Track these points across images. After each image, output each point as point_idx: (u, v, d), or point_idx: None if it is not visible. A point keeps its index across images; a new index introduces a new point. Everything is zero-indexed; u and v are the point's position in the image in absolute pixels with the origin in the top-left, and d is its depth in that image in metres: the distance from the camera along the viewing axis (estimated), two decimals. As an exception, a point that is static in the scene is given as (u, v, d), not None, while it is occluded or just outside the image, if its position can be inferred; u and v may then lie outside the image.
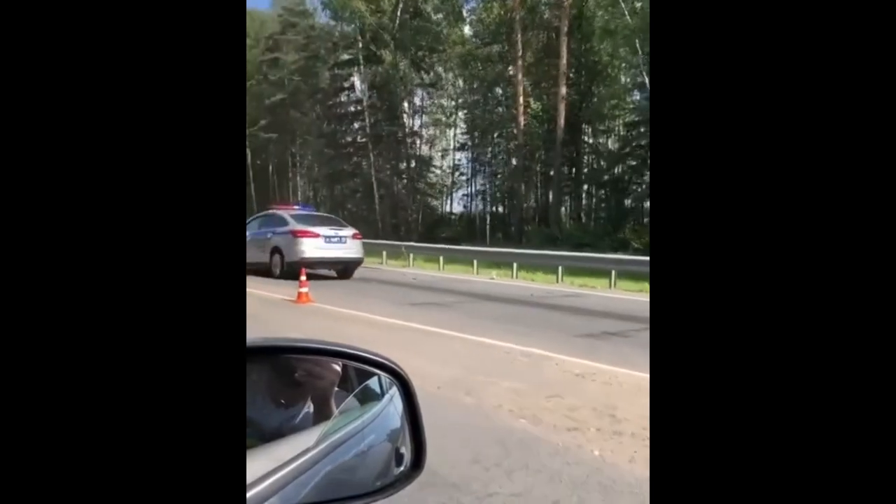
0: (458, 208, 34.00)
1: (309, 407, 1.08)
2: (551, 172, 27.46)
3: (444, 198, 34.08)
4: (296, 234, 13.09)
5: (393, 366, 1.12)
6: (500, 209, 30.82)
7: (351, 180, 33.48)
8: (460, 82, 30.39)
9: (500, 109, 28.92)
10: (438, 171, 33.46)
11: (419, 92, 31.62)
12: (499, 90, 29.47)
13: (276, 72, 36.88)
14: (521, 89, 25.90)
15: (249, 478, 0.85)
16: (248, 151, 40.72)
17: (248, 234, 12.84)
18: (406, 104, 31.08)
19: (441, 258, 17.65)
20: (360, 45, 30.44)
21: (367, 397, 1.19)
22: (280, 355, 1.09)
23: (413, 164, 32.31)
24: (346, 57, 33.50)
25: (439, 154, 33.79)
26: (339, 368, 1.11)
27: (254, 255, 12.71)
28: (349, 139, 34.95)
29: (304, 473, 0.98)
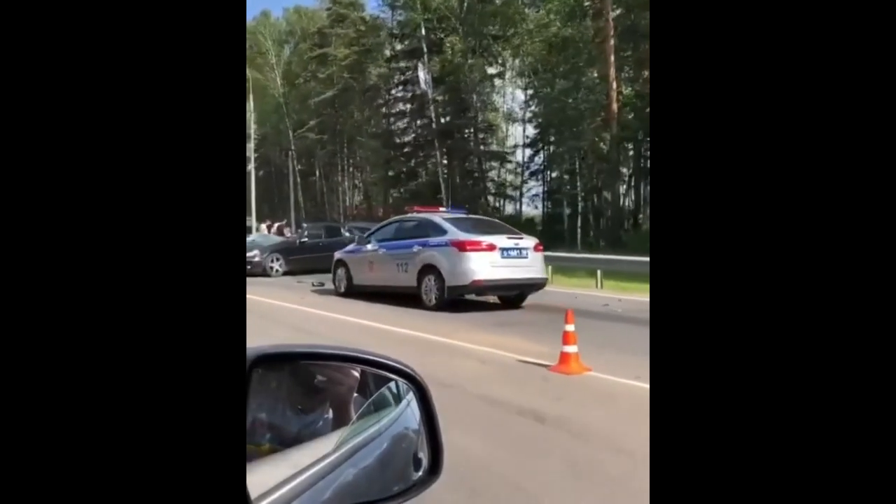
0: (527, 209, 31.94)
1: (328, 412, 1.12)
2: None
3: (516, 198, 30.41)
4: (461, 247, 9.55)
5: (409, 371, 1.14)
6: (579, 210, 26.22)
7: (412, 182, 28.98)
8: (537, 68, 27.39)
9: (582, 98, 25.75)
10: (511, 168, 30.06)
11: (489, 82, 27.06)
12: (579, 77, 26.15)
13: (325, 69, 35.76)
14: (612, 73, 23.40)
15: (270, 483, 0.89)
16: (293, 154, 36.17)
17: (373, 246, 11.15)
18: (475, 96, 26.42)
19: (599, 272, 14.17)
20: (423, 32, 25.67)
21: (385, 402, 1.21)
22: (299, 362, 1.12)
23: (484, 162, 30.46)
24: (403, 48, 32.12)
25: (510, 150, 31.71)
26: (357, 374, 1.15)
27: (387, 274, 10.63)
28: (409, 137, 33.30)
29: (323, 478, 1.00)
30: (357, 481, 1.08)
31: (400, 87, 33.32)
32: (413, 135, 32.71)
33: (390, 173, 33.26)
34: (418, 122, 31.76)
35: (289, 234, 20.00)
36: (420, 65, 29.09)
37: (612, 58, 23.02)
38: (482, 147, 29.67)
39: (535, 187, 30.85)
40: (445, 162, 30.15)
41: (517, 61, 28.64)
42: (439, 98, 29.80)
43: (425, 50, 28.64)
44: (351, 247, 12.07)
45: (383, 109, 34.39)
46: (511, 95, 30.40)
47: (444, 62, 26.97)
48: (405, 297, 10.05)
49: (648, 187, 24.57)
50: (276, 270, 15.63)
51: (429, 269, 9.64)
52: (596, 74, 25.85)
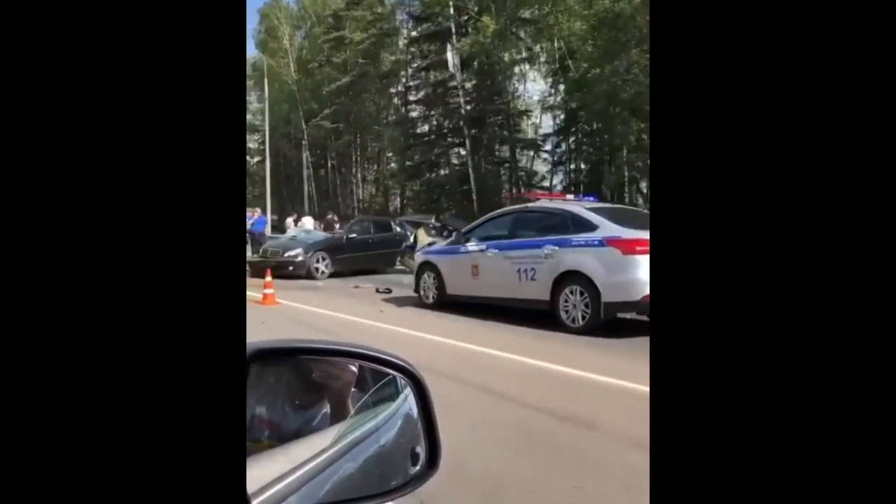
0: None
1: (326, 408, 1.13)
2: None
3: (550, 188, 27.40)
4: (627, 248, 6.83)
5: (407, 366, 1.16)
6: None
7: (436, 172, 26.46)
8: (574, 49, 25.08)
9: (624, 82, 22.77)
10: (545, 158, 29.23)
11: (520, 67, 24.51)
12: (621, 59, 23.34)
13: (340, 54, 34.91)
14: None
15: (268, 477, 0.91)
16: (306, 144, 33.77)
17: (476, 245, 8.76)
18: (508, 80, 24.11)
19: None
20: (452, 10, 23.17)
21: (383, 397, 1.23)
22: (298, 357, 1.14)
23: (517, 151, 28.71)
24: (426, 29, 30.53)
25: (541, 139, 29.71)
26: (355, 369, 1.15)
27: (501, 282, 8.19)
28: (433, 125, 31.50)
29: (321, 473, 1.02)
30: (355, 476, 1.09)
31: (422, 72, 30.55)
32: (436, 122, 31.05)
33: (407, 163, 31.27)
34: (441, 108, 29.71)
35: (338, 228, 17.47)
36: (448, 46, 26.35)
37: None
38: (516, 134, 26.96)
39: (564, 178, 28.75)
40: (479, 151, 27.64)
41: (552, 44, 25.85)
42: (467, 83, 27.10)
43: (454, 31, 25.89)
44: (440, 246, 9.48)
45: (403, 96, 31.65)
46: (542, 81, 27.62)
47: (475, 43, 24.19)
48: (528, 315, 7.83)
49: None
50: (322, 272, 13.05)
51: (572, 277, 7.21)
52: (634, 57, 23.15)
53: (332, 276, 13.74)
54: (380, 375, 1.20)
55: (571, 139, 27.80)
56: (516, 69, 28.31)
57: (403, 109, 32.90)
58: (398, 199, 34.95)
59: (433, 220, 16.53)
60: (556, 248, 7.48)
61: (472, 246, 8.69)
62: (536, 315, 7.66)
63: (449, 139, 30.20)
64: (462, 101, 27.74)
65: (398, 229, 15.40)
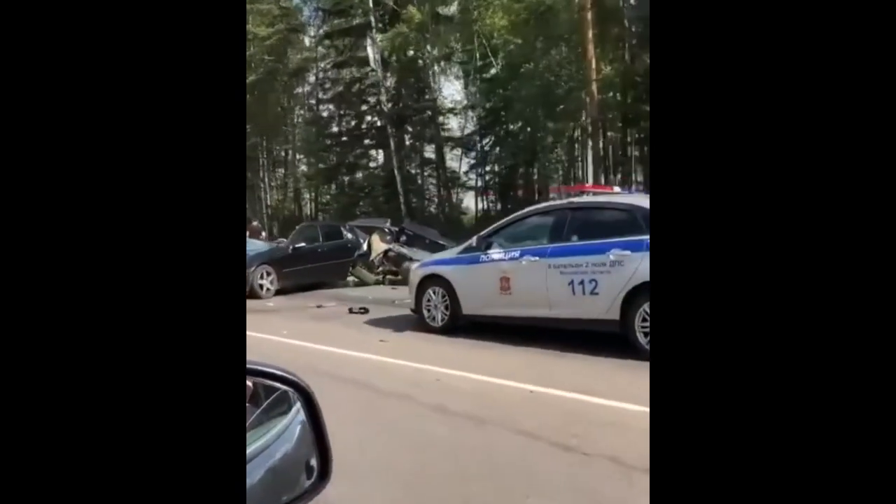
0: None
1: None
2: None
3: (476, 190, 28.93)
4: None
5: (295, 379, 1.16)
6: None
7: (353, 175, 24.69)
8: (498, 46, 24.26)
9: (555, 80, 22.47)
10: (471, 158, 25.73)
11: (445, 63, 23.42)
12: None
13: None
14: (591, 49, 20.16)
15: None
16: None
17: (502, 253, 7.04)
18: (433, 77, 22.63)
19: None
20: (371, 3, 21.56)
21: (276, 412, 1.22)
22: None
23: (444, 151, 27.57)
24: (341, 23, 28.33)
25: (467, 138, 28.80)
26: (250, 385, 1.12)
27: (546, 297, 6.51)
28: (351, 124, 29.89)
29: None
30: (252, 492, 1.03)
31: (336, 69, 28.58)
32: (354, 121, 28.95)
33: (321, 165, 28.79)
34: (361, 107, 27.47)
35: (264, 237, 15.22)
36: (369, 41, 24.51)
37: (591, 33, 20.30)
38: (443, 133, 25.45)
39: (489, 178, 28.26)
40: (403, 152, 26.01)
41: (474, 40, 24.54)
42: (389, 80, 25.38)
43: (373, 25, 24.07)
44: (448, 254, 7.76)
45: (316, 95, 29.44)
46: (466, 79, 26.33)
47: (399, 35, 22.57)
48: (579, 338, 6.30)
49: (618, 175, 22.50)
50: (268, 290, 10.97)
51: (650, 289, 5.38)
52: (565, 52, 22.24)
53: (278, 293, 11.65)
54: (272, 390, 1.20)
55: (489, 139, 26.71)
56: (440, 66, 26.87)
57: (317, 109, 30.65)
58: (311, 204, 32.63)
59: (387, 225, 14.68)
60: (628, 252, 5.90)
61: (497, 253, 7.06)
62: (592, 338, 6.07)
63: (367, 139, 28.47)
64: (384, 98, 25.90)
65: (349, 236, 13.50)
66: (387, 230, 14.50)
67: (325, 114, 30.93)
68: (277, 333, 7.85)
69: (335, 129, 30.29)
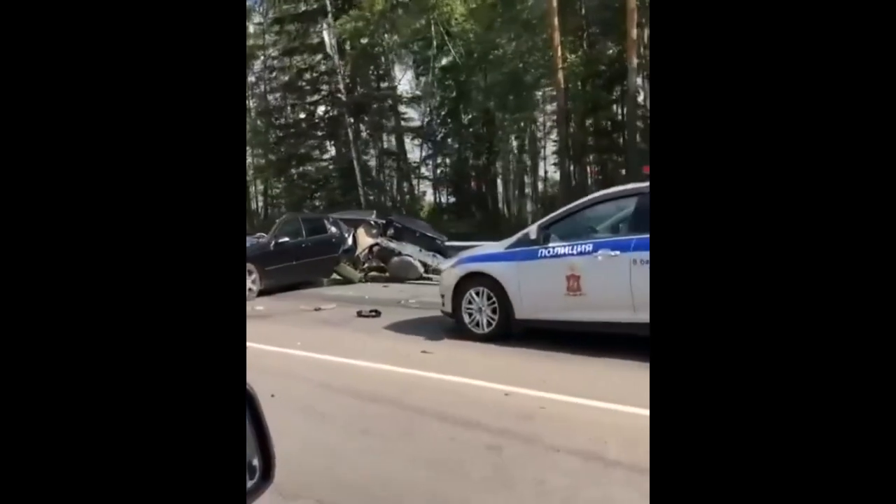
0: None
1: None
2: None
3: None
4: None
5: None
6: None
7: (306, 166, 23.57)
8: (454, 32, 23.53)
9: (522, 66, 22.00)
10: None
11: (402, 50, 22.48)
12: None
13: None
14: (557, 36, 19.41)
15: None
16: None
17: (568, 247, 5.90)
18: (391, 64, 21.69)
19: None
20: None
21: None
22: None
23: (404, 141, 26.78)
24: (293, 9, 27.06)
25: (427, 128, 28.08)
26: None
27: (623, 294, 5.40)
28: (305, 114, 28.60)
29: None
30: None
31: (286, 56, 27.08)
32: (308, 111, 26.89)
33: (270, 156, 27.32)
34: (316, 96, 26.01)
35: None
36: (325, 25, 23.19)
37: (556, 20, 20.09)
38: (403, 123, 24.34)
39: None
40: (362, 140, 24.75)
41: (432, 27, 23.47)
42: (345, 67, 24.10)
43: (329, 9, 22.71)
44: (494, 248, 6.58)
45: (266, 84, 27.76)
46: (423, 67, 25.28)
47: (359, 18, 21.32)
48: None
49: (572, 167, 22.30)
50: (250, 290, 9.62)
51: None
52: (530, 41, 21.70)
53: (261, 293, 10.35)
54: None
55: (444, 130, 25.78)
56: (396, 53, 25.63)
57: (267, 98, 28.84)
58: (260, 199, 30.81)
59: (373, 218, 13.38)
60: None
61: (562, 247, 6.01)
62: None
63: (320, 130, 26.98)
64: (342, 86, 24.48)
65: (333, 230, 12.16)
66: (373, 223, 13.37)
67: (276, 102, 29.68)
68: (289, 345, 6.64)
69: (284, 120, 28.73)
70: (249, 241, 11.38)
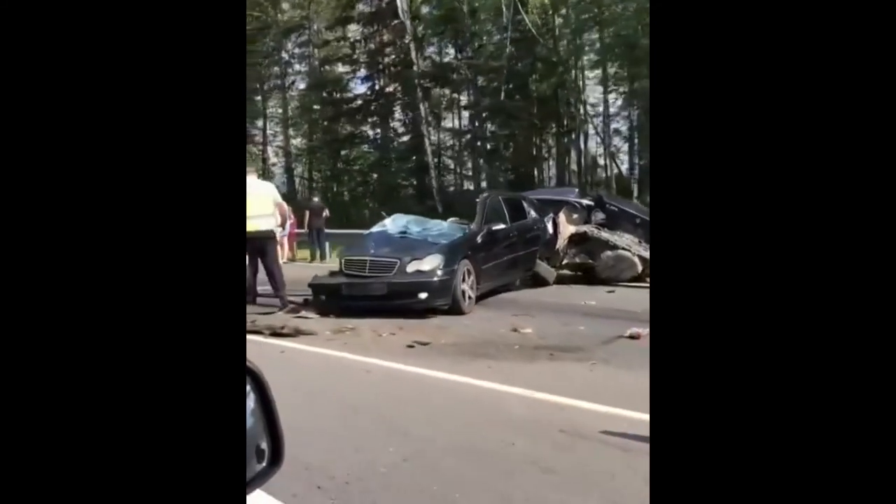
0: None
1: None
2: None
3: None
4: None
5: (249, 365, 1.12)
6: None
7: (358, 148, 20.84)
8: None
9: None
10: None
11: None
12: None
13: None
14: None
15: None
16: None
17: None
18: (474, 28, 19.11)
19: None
20: None
21: None
22: None
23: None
24: None
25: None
26: None
27: None
28: (362, 89, 25.33)
29: None
30: None
31: (339, 26, 23.89)
32: (371, 85, 23.56)
33: (315, 137, 24.20)
34: (380, 67, 22.59)
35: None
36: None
37: None
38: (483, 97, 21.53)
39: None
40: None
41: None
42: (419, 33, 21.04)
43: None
44: None
45: (327, 53, 24.59)
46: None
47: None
48: None
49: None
50: (469, 298, 6.65)
51: None
52: None
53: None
54: None
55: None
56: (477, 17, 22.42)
57: (320, 70, 25.53)
58: (298, 183, 27.50)
59: (574, 197, 10.08)
60: None
61: None
62: None
63: (381, 105, 23.74)
64: (414, 56, 21.22)
65: (533, 214, 8.98)
66: (576, 204, 10.04)
67: (335, 75, 26.99)
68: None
69: (338, 94, 25.48)
70: (452, 228, 8.15)
